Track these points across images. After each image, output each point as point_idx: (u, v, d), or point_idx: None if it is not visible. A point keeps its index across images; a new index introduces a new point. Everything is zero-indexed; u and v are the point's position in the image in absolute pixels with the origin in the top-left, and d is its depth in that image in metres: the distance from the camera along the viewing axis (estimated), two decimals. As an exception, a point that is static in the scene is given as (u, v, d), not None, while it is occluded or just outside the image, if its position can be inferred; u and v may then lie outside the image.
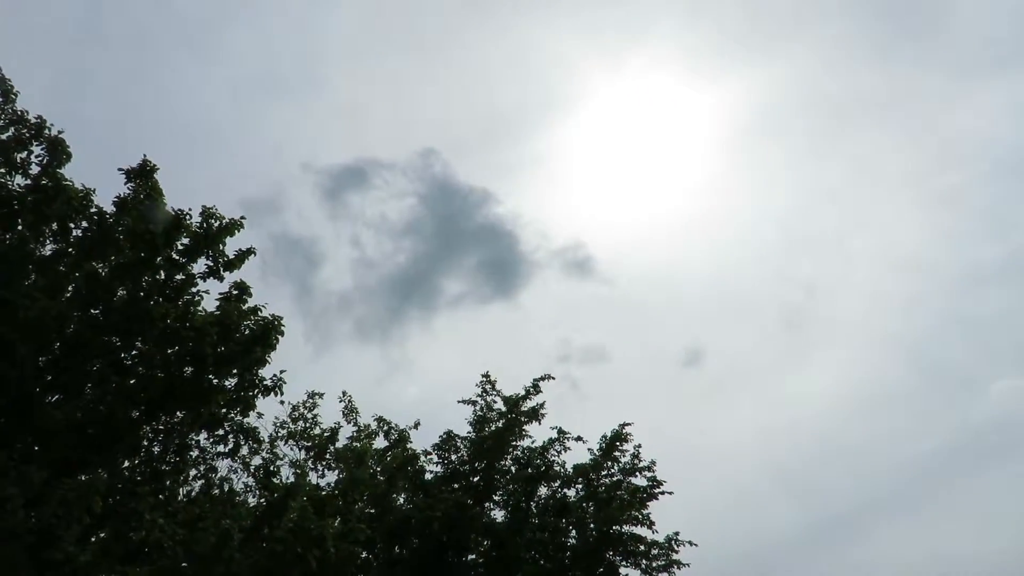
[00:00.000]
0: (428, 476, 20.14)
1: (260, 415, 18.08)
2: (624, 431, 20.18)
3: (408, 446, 20.37)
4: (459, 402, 20.66)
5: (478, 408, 20.54)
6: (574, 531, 19.48)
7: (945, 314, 65.06)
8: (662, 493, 19.50)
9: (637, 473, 19.73)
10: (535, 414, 20.03)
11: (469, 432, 20.37)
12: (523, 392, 20.23)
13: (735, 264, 73.89)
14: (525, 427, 19.99)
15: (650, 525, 19.01)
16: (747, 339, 67.18)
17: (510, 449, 19.95)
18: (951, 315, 64.42)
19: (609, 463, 19.94)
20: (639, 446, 20.03)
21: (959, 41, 74.34)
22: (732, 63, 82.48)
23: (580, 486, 20.02)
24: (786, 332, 64.93)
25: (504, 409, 20.25)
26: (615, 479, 19.83)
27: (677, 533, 19.19)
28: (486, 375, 20.69)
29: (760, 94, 79.43)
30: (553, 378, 20.45)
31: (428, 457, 20.26)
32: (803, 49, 79.06)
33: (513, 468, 19.99)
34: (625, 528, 19.02)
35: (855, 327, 65.03)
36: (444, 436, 20.44)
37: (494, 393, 20.56)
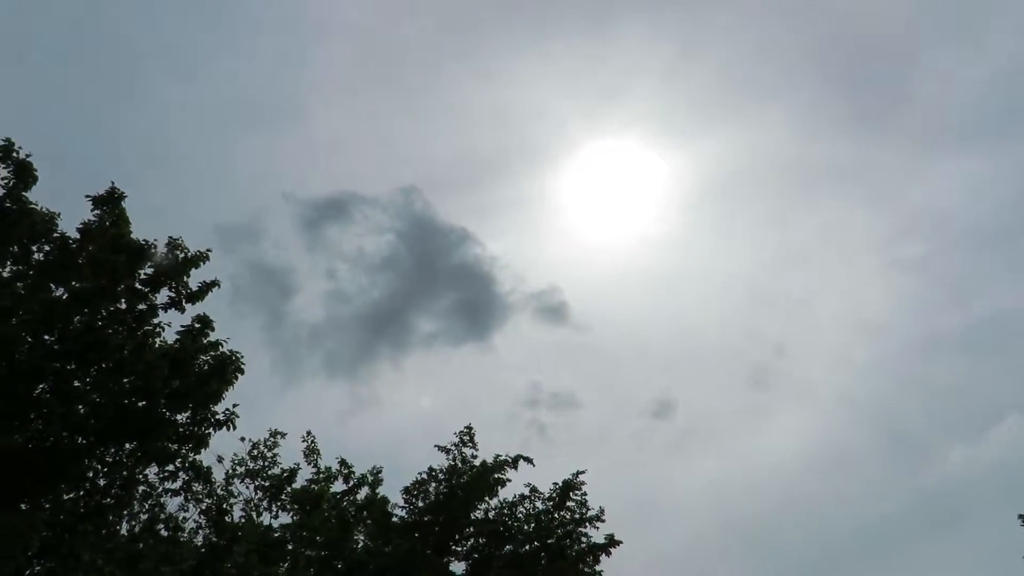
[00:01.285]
0: (394, 519, 19.83)
1: (220, 459, 17.76)
2: (578, 479, 20.07)
3: (377, 490, 20.12)
4: (436, 447, 20.62)
5: (451, 457, 20.40)
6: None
7: (906, 379, 65.80)
8: (614, 545, 19.29)
9: (587, 523, 19.55)
10: (500, 479, 19.97)
11: (442, 479, 20.20)
12: (503, 459, 20.22)
13: (705, 320, 74.54)
14: (493, 489, 19.86)
15: (600, 583, 18.74)
16: (714, 394, 67.35)
17: (477, 504, 19.78)
18: (911, 380, 65.14)
19: (562, 512, 19.78)
20: (585, 495, 20.01)
21: (923, 116, 76.77)
22: (705, 125, 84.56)
23: (533, 535, 19.78)
24: (752, 389, 65.21)
25: (479, 468, 20.15)
26: (567, 528, 19.67)
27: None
28: (468, 428, 20.75)
29: (732, 156, 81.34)
30: (533, 463, 20.47)
31: (392, 505, 20.03)
32: (774, 115, 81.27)
33: (479, 524, 19.77)
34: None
35: (818, 387, 65.49)
36: (421, 477, 20.24)
37: (471, 446, 20.52)
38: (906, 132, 76.34)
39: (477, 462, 20.29)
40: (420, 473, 20.17)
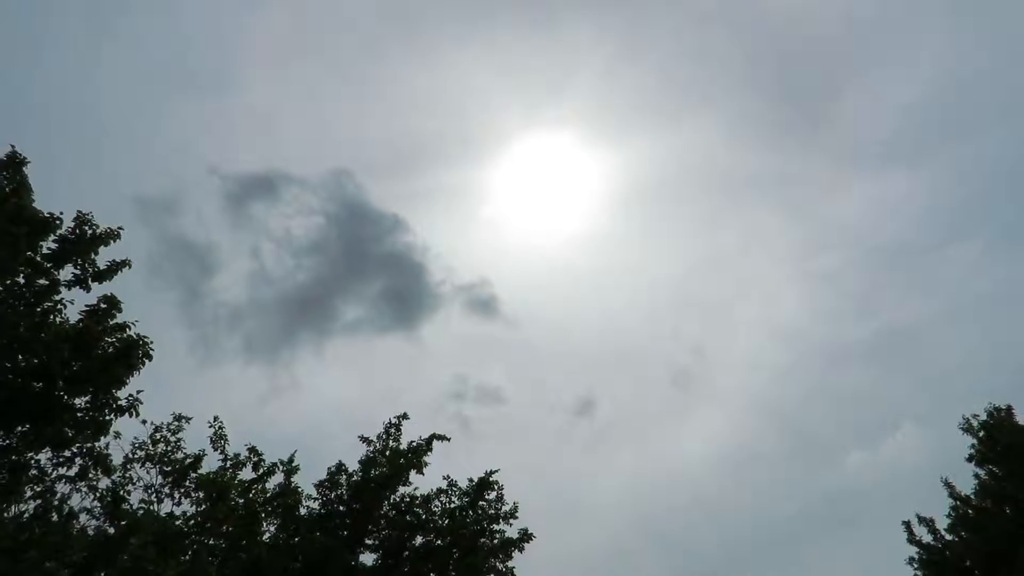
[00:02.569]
0: (303, 511, 19.38)
1: (117, 435, 16.87)
2: (492, 477, 20.17)
3: (292, 479, 19.56)
4: (359, 438, 20.26)
5: (371, 449, 20.09)
6: (435, 576, 19.16)
7: (813, 385, 69.42)
8: (527, 539, 19.53)
9: (500, 520, 19.71)
10: (418, 463, 19.76)
11: (357, 469, 19.86)
12: (417, 444, 19.98)
13: (629, 320, 76.42)
14: (407, 473, 19.67)
15: (511, 577, 18.97)
16: (634, 394, 69.27)
17: (390, 495, 19.56)
18: (818, 387, 68.78)
19: (476, 509, 19.85)
20: (502, 490, 20.07)
21: (846, 134, 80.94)
22: (639, 126, 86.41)
23: (446, 530, 19.78)
24: (671, 390, 67.38)
25: (392, 455, 19.91)
26: (481, 524, 19.74)
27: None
28: (400, 417, 20.39)
29: (662, 159, 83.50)
30: (449, 439, 20.35)
31: (305, 495, 19.56)
32: (706, 121, 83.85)
33: (392, 513, 19.57)
34: (487, 578, 18.88)
35: (732, 390, 68.27)
36: (333, 470, 19.82)
37: (396, 437, 20.20)
38: (829, 148, 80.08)
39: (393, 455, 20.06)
40: (331, 468, 19.81)
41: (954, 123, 79.97)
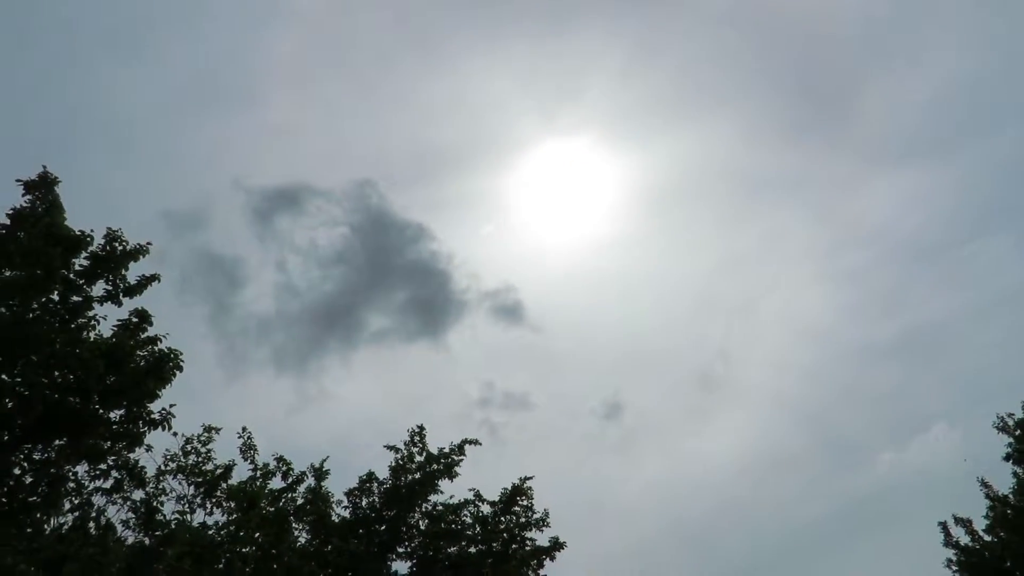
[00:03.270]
0: (334, 518, 19.55)
1: (149, 448, 17.16)
2: (525, 485, 20.15)
3: (322, 484, 19.71)
4: (385, 447, 20.33)
5: (399, 457, 20.22)
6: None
7: (841, 386, 68.42)
8: (559, 548, 19.50)
9: (532, 527, 19.69)
10: (449, 470, 19.83)
11: (386, 478, 19.99)
12: (447, 449, 20.04)
13: (653, 322, 76.09)
14: (439, 481, 19.74)
15: (544, 587, 18.96)
16: (660, 397, 68.80)
17: (421, 503, 19.64)
18: (846, 386, 67.80)
19: (507, 517, 19.84)
20: (532, 499, 20.03)
21: (867, 131, 79.93)
22: (658, 129, 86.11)
23: (480, 539, 19.79)
24: (697, 392, 66.85)
25: (423, 461, 19.98)
26: (512, 532, 19.72)
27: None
28: (420, 427, 20.46)
29: (682, 161, 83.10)
30: (480, 443, 20.37)
31: (335, 501, 19.71)
32: (725, 121, 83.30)
33: (423, 523, 19.65)
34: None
35: (758, 392, 67.58)
36: (364, 478, 19.98)
37: (421, 445, 20.29)
38: (850, 145, 79.10)
39: (423, 460, 20.09)
40: (361, 476, 19.94)
41: (978, 117, 78.74)
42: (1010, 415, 23.79)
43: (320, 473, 19.72)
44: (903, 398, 63.99)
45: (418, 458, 20.11)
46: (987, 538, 23.34)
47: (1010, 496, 23.24)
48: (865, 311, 75.17)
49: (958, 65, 76.21)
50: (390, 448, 20.29)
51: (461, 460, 20.03)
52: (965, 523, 23.78)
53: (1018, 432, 23.47)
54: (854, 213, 79.41)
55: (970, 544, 23.53)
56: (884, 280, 76.27)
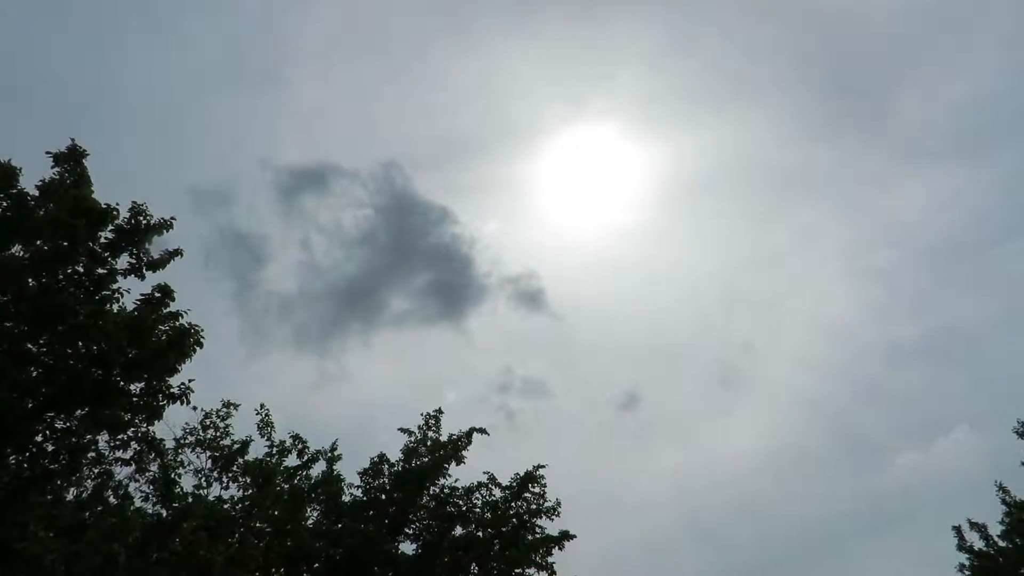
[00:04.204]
0: (346, 499, 19.77)
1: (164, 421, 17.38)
2: (537, 472, 20.21)
3: (334, 467, 19.95)
4: (399, 430, 20.60)
5: (412, 440, 20.32)
6: (476, 568, 19.32)
7: (863, 384, 67.77)
8: (567, 539, 19.56)
9: (542, 515, 19.77)
10: (456, 454, 19.92)
11: (399, 459, 20.12)
12: (457, 437, 20.21)
13: (675, 315, 75.70)
14: (446, 465, 19.88)
15: (551, 573, 19.03)
16: (680, 389, 68.59)
17: (429, 486, 19.79)
18: (869, 386, 67.13)
19: (518, 503, 19.94)
20: (545, 486, 20.15)
21: (901, 129, 78.68)
22: (687, 120, 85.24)
23: (488, 522, 19.92)
24: (717, 387, 66.53)
25: (433, 447, 20.16)
26: (523, 518, 19.82)
27: (579, 583, 19.27)
28: (437, 411, 20.70)
29: (711, 153, 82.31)
30: (488, 433, 20.50)
31: (346, 482, 19.96)
32: (757, 116, 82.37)
33: (432, 504, 19.82)
34: (528, 572, 18.99)
35: (779, 388, 67.09)
36: (376, 460, 20.15)
37: (436, 429, 20.47)
38: (883, 143, 77.97)
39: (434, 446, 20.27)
40: (373, 458, 20.13)
41: (1015, 118, 77.13)
42: (1031, 420, 23.49)
43: (332, 457, 19.92)
44: (926, 400, 63.36)
45: (430, 443, 20.27)
46: (1002, 544, 23.10)
47: (1028, 502, 22.96)
48: (892, 311, 74.39)
49: (997, 66, 74.80)
50: (404, 431, 20.48)
51: (468, 445, 20.16)
52: (980, 528, 23.55)
53: (1038, 438, 23.17)
54: (885, 212, 78.43)
55: (984, 549, 23.30)
56: (913, 280, 75.38)
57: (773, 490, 56.90)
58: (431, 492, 19.90)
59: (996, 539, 23.28)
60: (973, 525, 23.74)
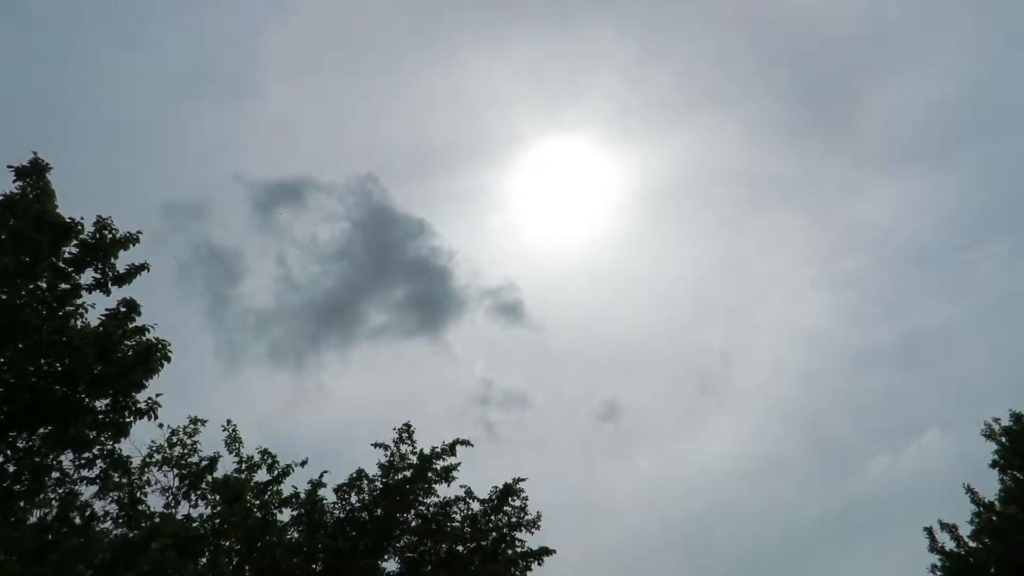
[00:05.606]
0: (325, 516, 19.48)
1: (134, 442, 17.05)
2: (517, 485, 20.10)
3: (319, 492, 19.63)
4: (372, 445, 20.33)
5: (389, 454, 20.16)
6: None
7: (836, 389, 68.65)
8: (547, 554, 19.46)
9: (523, 528, 19.65)
10: (447, 474, 19.81)
11: (376, 475, 19.94)
12: (439, 449, 20.00)
13: (651, 323, 76.23)
14: (435, 485, 19.74)
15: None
16: (657, 397, 68.87)
17: (415, 503, 19.60)
18: (842, 391, 68.01)
19: (498, 516, 19.79)
20: (525, 499, 20.02)
21: (867, 135, 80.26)
22: (659, 129, 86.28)
23: (468, 536, 19.75)
24: (693, 393, 66.99)
25: (416, 462, 19.92)
26: (502, 532, 19.67)
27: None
28: (407, 425, 20.47)
29: (683, 162, 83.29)
30: (471, 444, 20.31)
31: (331, 504, 19.68)
32: (727, 123, 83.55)
33: (414, 521, 19.61)
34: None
35: (753, 394, 67.71)
36: (354, 476, 19.91)
37: (410, 443, 20.27)
38: (850, 149, 79.45)
39: (415, 459, 20.04)
40: (352, 473, 19.90)
41: (980, 123, 79.11)
42: (997, 420, 23.97)
43: (317, 482, 19.68)
44: (898, 403, 64.30)
45: (411, 458, 20.07)
46: (972, 544, 23.45)
47: (996, 503, 23.36)
48: (862, 316, 75.50)
49: (960, 71, 76.72)
50: (378, 446, 20.26)
51: (459, 465, 19.99)
52: (951, 529, 23.89)
53: (1004, 439, 23.62)
54: (854, 218, 79.78)
55: (955, 550, 23.64)
56: (882, 285, 76.63)
57: (749, 496, 57.35)
58: (416, 510, 19.64)
59: (967, 539, 23.63)
60: (944, 526, 24.08)
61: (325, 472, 19.85)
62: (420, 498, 19.65)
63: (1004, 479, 23.45)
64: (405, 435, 20.31)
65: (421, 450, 20.09)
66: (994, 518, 23.13)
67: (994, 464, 23.72)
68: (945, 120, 79.66)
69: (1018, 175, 75.33)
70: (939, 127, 79.97)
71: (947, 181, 77.26)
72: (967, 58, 76.71)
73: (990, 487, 23.75)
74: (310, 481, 19.61)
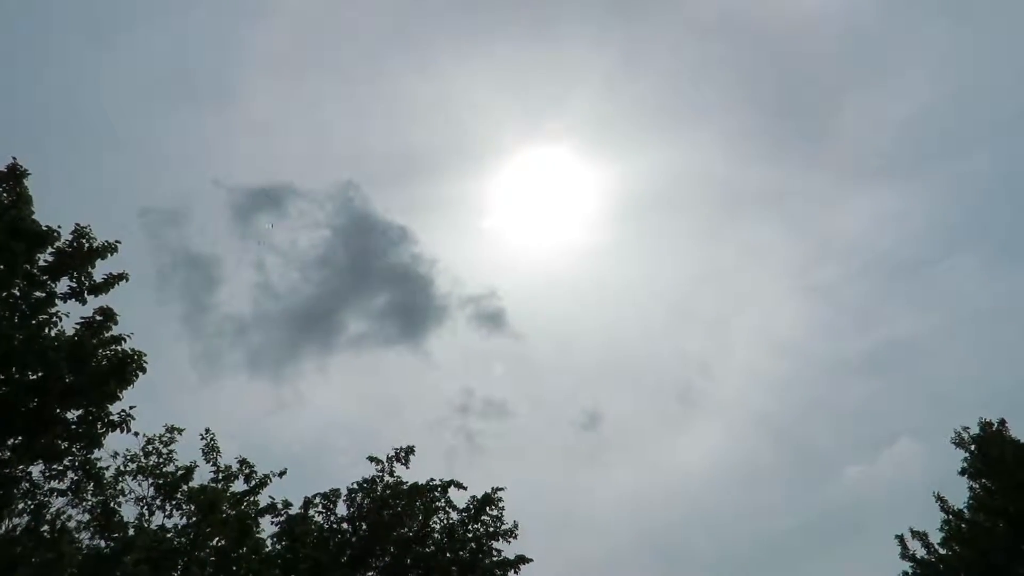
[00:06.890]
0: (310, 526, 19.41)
1: (114, 454, 16.84)
2: (496, 495, 20.13)
3: (310, 511, 19.57)
4: (368, 458, 20.45)
5: (379, 469, 20.23)
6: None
7: (811, 399, 69.41)
8: (525, 562, 19.51)
9: (500, 537, 19.69)
10: (435, 511, 19.92)
11: (354, 485, 20.04)
12: (434, 485, 20.10)
13: (631, 333, 76.62)
14: (426, 518, 19.82)
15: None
16: (636, 406, 69.07)
17: (404, 528, 19.59)
18: (816, 400, 68.79)
19: (475, 525, 19.82)
20: (503, 508, 20.11)
21: (845, 147, 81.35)
22: (638, 140, 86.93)
23: (446, 546, 19.74)
24: (672, 403, 67.36)
25: (407, 490, 19.96)
26: (480, 541, 19.69)
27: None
28: (410, 447, 20.58)
29: (662, 172, 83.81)
30: (465, 487, 20.37)
31: (317, 524, 19.60)
32: (706, 134, 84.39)
33: (396, 545, 19.60)
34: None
35: (732, 403, 68.18)
36: (336, 491, 19.98)
37: (404, 463, 20.40)
38: (826, 161, 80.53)
39: (406, 479, 20.22)
40: (335, 488, 19.86)
41: (953, 136, 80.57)
42: (966, 429, 24.39)
43: (308, 501, 19.58)
44: (872, 413, 65.07)
45: (397, 476, 20.08)
46: (942, 551, 23.83)
47: (965, 511, 23.78)
48: (837, 327, 76.37)
49: (933, 86, 78.07)
50: (373, 460, 20.33)
51: (445, 497, 19.96)
52: (921, 536, 24.26)
53: (972, 447, 24.06)
54: (830, 229, 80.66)
55: (926, 557, 24.01)
56: (857, 296, 77.50)
57: (728, 504, 57.72)
58: (398, 532, 19.61)
59: (937, 547, 24.01)
60: (915, 534, 24.43)
61: (317, 495, 19.86)
62: (407, 523, 19.67)
63: (973, 487, 23.87)
64: (403, 455, 20.35)
65: (416, 484, 20.13)
66: (963, 525, 23.53)
67: (963, 472, 24.13)
68: (917, 134, 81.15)
69: (987, 189, 76.97)
70: (912, 140, 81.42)
71: (919, 193, 78.66)
72: (939, 73, 78.32)
73: (960, 494, 24.18)
74: (304, 503, 19.57)
